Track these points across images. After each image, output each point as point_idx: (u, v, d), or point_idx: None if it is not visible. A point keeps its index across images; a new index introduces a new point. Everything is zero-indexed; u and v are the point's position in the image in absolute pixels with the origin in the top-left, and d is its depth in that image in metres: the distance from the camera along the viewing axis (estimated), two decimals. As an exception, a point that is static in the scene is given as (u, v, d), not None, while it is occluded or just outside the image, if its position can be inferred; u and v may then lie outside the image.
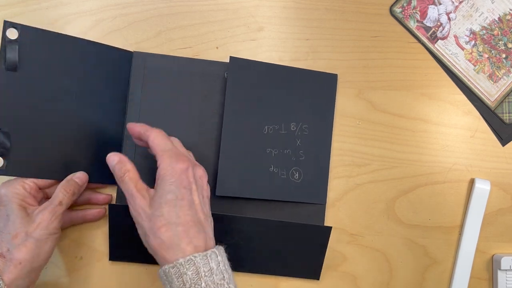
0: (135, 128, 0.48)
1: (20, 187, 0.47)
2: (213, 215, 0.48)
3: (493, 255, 0.58)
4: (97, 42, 0.53)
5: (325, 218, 0.56)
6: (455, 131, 0.58)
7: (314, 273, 0.55)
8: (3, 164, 0.48)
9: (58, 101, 0.50)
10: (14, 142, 0.48)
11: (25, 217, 0.45)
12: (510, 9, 0.59)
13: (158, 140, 0.46)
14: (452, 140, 0.58)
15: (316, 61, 0.57)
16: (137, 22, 0.56)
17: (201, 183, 0.46)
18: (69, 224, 0.53)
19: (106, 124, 0.53)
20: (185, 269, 0.40)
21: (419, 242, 0.57)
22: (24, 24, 0.49)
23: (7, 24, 0.48)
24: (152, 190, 0.45)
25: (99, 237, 0.54)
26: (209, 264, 0.41)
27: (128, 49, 0.55)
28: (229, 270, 0.43)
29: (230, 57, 0.54)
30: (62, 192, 0.47)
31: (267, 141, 0.54)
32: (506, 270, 0.56)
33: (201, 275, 0.40)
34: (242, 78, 0.54)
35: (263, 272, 0.55)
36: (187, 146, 0.51)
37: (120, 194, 0.53)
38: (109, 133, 0.53)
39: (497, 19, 0.59)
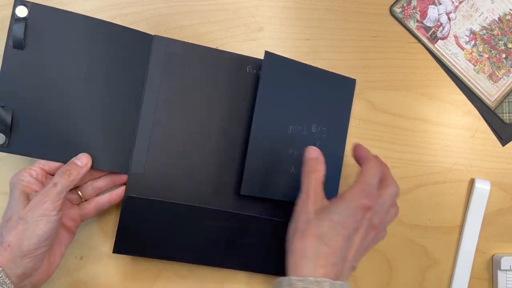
0: (359, 150, 0.49)
1: (26, 174, 0.47)
2: (231, 214, 0.50)
3: (493, 255, 0.58)
4: (113, 23, 0.51)
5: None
6: (455, 131, 0.58)
7: None
8: (5, 141, 0.48)
9: (67, 81, 0.49)
10: (18, 120, 0.48)
11: (23, 201, 0.45)
12: (510, 9, 0.59)
13: (367, 175, 0.45)
14: (452, 140, 0.58)
15: (316, 61, 0.57)
16: (137, 22, 0.56)
17: (371, 233, 0.45)
18: (96, 212, 0.51)
19: (118, 109, 0.51)
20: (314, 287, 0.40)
21: (419, 242, 0.57)
22: (35, 2, 0.48)
23: (17, 2, 0.48)
24: (325, 201, 0.46)
25: (99, 237, 0.54)
26: None
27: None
28: None
29: (266, 52, 0.52)
30: (59, 173, 0.46)
31: (291, 141, 0.53)
32: (506, 270, 0.56)
33: None
34: (274, 75, 0.52)
35: (275, 273, 0.54)
36: (206, 138, 0.52)
37: (131, 185, 0.51)
38: (121, 118, 0.51)
39: (497, 19, 0.59)
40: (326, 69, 0.56)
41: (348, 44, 0.58)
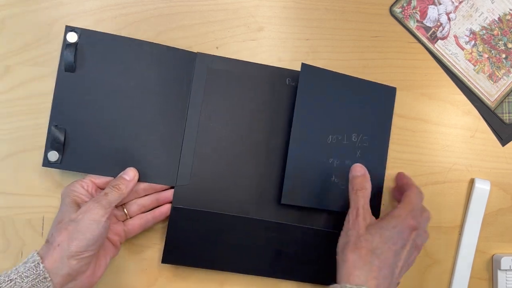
0: (403, 178, 0.54)
1: (78, 185, 0.50)
2: (276, 223, 0.52)
3: (493, 255, 0.58)
4: (157, 44, 0.54)
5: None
6: (455, 131, 0.58)
7: None
8: (58, 158, 0.51)
9: (115, 100, 0.52)
10: (69, 138, 0.52)
11: (74, 207, 0.47)
12: (510, 9, 0.59)
13: (413, 199, 0.49)
14: (452, 140, 0.58)
15: (316, 61, 0.57)
16: (137, 22, 0.56)
17: (414, 252, 0.48)
18: (140, 228, 0.52)
19: (164, 125, 0.53)
20: None
21: (419, 242, 0.57)
22: (84, 28, 0.52)
23: (68, 29, 0.52)
24: (373, 217, 0.49)
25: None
26: None
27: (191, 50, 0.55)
28: None
29: (302, 64, 0.53)
30: (109, 187, 0.49)
31: (330, 150, 0.54)
32: (506, 270, 0.56)
33: None
34: (311, 86, 0.54)
35: (321, 283, 0.55)
36: (247, 149, 0.54)
37: (177, 197, 0.53)
38: (167, 133, 0.53)
39: (497, 19, 0.59)
40: (326, 69, 0.56)
41: (348, 44, 0.58)
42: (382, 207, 0.56)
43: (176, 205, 0.53)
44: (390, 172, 0.57)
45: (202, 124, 0.54)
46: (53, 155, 0.51)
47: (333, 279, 0.54)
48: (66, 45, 0.52)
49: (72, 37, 0.52)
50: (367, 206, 0.49)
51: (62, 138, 0.51)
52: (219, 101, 0.54)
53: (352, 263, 0.45)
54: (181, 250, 0.52)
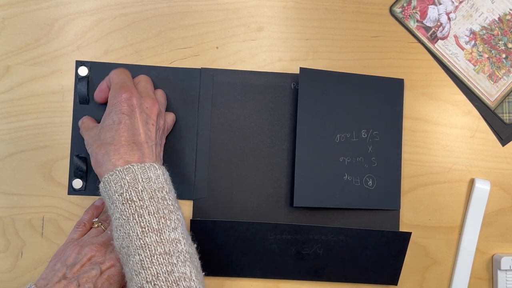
0: (101, 86, 0.51)
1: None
2: (291, 226, 0.52)
3: (493, 255, 0.58)
4: (161, 67, 0.55)
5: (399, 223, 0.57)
6: (455, 131, 0.58)
7: (391, 279, 0.56)
8: (82, 185, 0.54)
9: None
10: (89, 166, 0.53)
11: None
12: (510, 9, 0.59)
13: (113, 76, 0.50)
14: (452, 140, 0.58)
15: (316, 61, 0.57)
16: (137, 22, 0.56)
17: (148, 112, 0.48)
18: None
19: (178, 142, 0.54)
20: (123, 175, 0.43)
21: (419, 242, 0.57)
22: (92, 60, 0.54)
23: (78, 63, 0.54)
24: (98, 126, 0.49)
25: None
26: (147, 173, 0.43)
27: (193, 67, 0.55)
28: (171, 186, 0.45)
29: (300, 68, 0.54)
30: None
31: (340, 149, 0.54)
32: (506, 270, 0.56)
33: (139, 180, 0.43)
34: (312, 88, 0.54)
35: (341, 280, 0.55)
36: (258, 157, 0.55)
37: (196, 210, 0.55)
38: (181, 150, 0.54)
39: (497, 19, 0.59)
40: (326, 69, 0.56)
41: (348, 44, 0.58)
42: (402, 197, 0.56)
43: (196, 218, 0.54)
44: (390, 172, 0.57)
45: (213, 137, 0.55)
46: (77, 183, 0.54)
47: (357, 276, 0.55)
48: (78, 79, 0.54)
49: (83, 71, 0.54)
50: (92, 124, 0.51)
51: (84, 166, 0.54)
52: (226, 112, 0.55)
53: (97, 166, 0.45)
54: (204, 261, 0.51)
